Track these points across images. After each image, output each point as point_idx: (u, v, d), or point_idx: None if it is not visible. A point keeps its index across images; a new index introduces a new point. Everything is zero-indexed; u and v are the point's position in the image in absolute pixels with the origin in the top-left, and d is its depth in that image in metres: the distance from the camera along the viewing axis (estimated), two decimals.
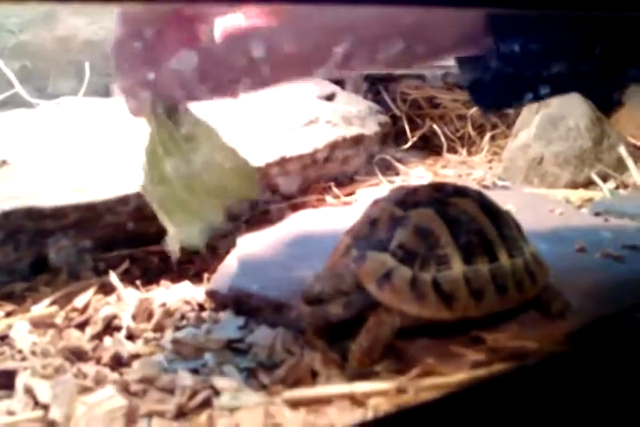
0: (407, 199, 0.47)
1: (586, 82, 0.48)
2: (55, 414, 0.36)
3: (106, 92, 1.00)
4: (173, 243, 0.43)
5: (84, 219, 0.56)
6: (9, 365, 0.42)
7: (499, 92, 0.49)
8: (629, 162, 0.86)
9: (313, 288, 0.41)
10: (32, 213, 0.54)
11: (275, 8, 0.48)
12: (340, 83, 1.04)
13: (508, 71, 0.47)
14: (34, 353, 0.44)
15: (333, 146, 0.79)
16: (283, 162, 0.72)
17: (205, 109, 0.46)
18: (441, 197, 0.47)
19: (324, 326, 0.44)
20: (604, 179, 0.85)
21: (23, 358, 0.44)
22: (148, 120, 0.44)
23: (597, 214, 0.72)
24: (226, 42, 0.44)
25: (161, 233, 0.63)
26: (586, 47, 0.46)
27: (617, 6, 0.34)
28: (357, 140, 0.83)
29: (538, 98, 0.53)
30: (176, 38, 0.46)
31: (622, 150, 0.87)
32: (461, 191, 0.48)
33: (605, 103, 0.50)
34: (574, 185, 0.84)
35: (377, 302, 0.42)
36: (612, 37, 0.45)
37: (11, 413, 0.37)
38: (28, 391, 0.39)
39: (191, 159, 0.45)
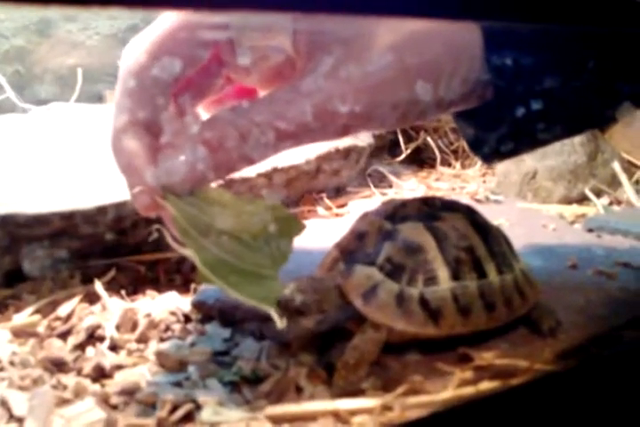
0: (396, 213, 0.46)
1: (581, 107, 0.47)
2: None
3: (99, 99, 0.99)
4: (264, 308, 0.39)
5: (67, 227, 0.55)
6: None
7: (501, 143, 0.48)
8: (623, 178, 0.86)
9: (293, 298, 0.40)
10: (14, 221, 0.53)
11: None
12: None
13: (511, 122, 0.46)
14: (12, 363, 0.43)
15: (326, 157, 0.78)
16: (274, 173, 0.71)
17: None
18: (430, 211, 0.46)
19: (306, 338, 0.44)
20: (598, 194, 0.84)
21: (1, 369, 0.42)
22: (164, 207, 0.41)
23: (590, 230, 0.71)
24: (224, 118, 0.42)
25: (149, 242, 0.62)
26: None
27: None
28: (350, 152, 0.83)
29: (543, 143, 0.51)
30: (177, 124, 0.44)
31: (617, 166, 0.86)
32: (451, 206, 0.48)
33: (599, 120, 0.50)
34: (568, 200, 0.84)
35: (362, 318, 0.42)
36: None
37: None
38: (4, 404, 0.38)
39: (222, 227, 0.43)
